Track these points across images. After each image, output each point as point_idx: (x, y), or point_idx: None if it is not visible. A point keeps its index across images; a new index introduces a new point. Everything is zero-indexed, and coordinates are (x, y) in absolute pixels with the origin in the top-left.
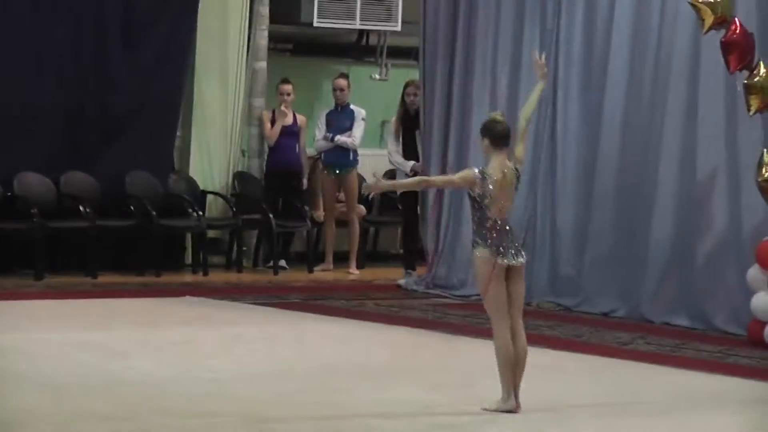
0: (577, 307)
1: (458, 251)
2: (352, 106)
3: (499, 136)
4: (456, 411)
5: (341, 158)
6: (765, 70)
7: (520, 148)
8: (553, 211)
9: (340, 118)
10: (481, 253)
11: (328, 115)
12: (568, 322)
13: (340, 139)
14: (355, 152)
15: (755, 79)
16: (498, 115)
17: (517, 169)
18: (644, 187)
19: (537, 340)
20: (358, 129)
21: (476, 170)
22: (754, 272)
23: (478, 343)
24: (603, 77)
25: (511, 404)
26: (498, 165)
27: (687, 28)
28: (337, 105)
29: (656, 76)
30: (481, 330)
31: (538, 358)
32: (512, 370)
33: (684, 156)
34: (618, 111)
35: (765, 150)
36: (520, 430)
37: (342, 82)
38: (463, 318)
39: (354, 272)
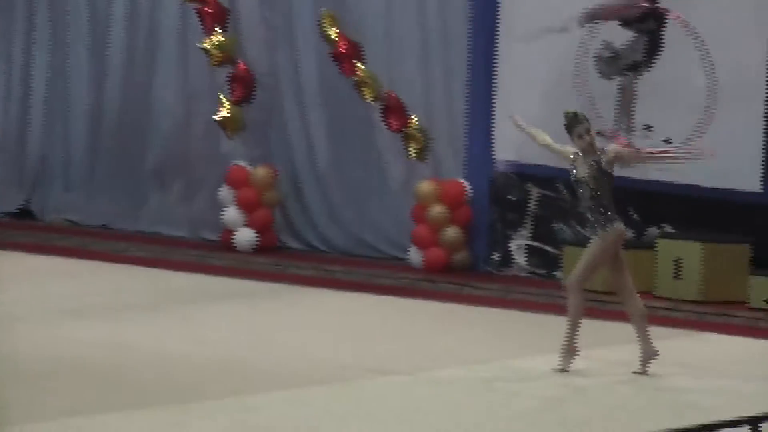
0: (85, 221)
1: None
2: None
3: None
4: None
5: None
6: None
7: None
8: (65, 141)
9: None
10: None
11: None
12: (75, 235)
13: None
14: None
15: None
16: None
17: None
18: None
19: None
20: None
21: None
22: (224, 191)
23: None
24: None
25: None
26: None
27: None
28: None
29: (149, 39)
30: None
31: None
32: None
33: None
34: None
35: None
36: None
37: None
38: None
39: None
